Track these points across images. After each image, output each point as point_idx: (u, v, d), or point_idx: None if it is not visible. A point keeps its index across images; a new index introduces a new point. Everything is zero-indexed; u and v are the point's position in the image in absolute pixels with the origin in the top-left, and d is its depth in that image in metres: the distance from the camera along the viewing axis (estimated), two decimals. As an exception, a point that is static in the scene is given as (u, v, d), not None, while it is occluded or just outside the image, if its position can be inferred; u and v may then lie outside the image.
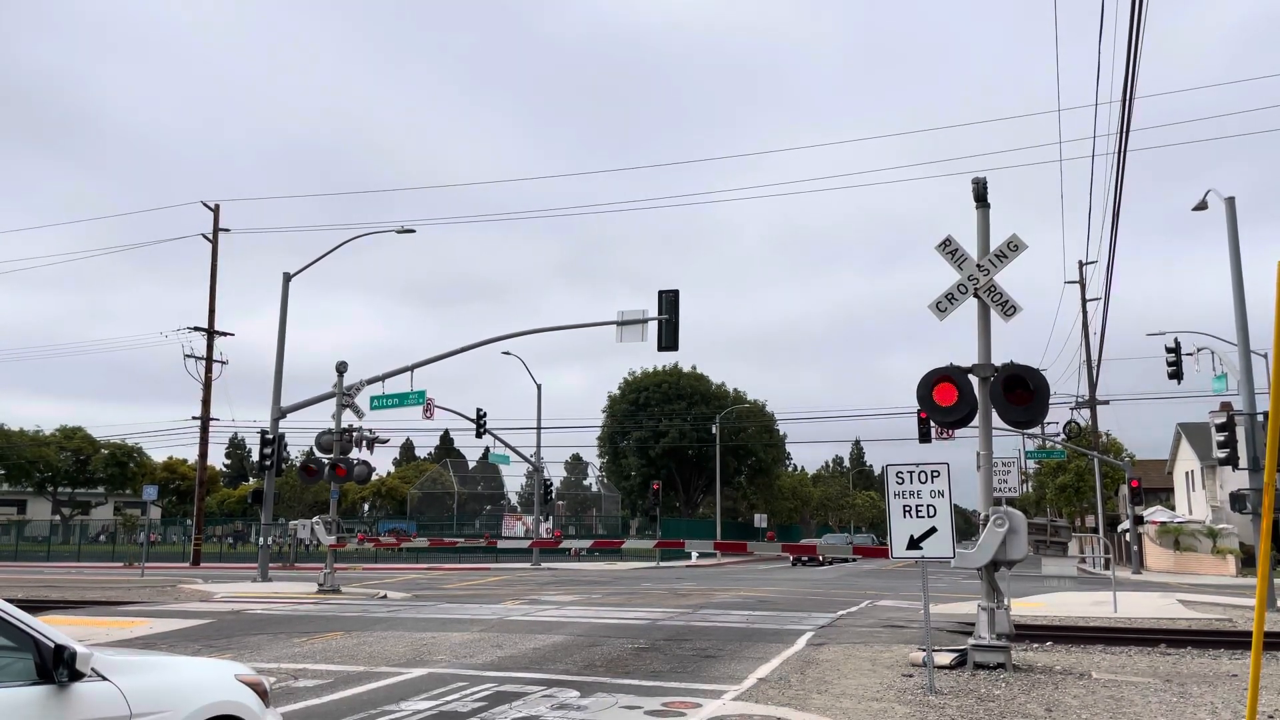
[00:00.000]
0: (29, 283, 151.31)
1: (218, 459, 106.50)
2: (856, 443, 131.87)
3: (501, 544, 40.59)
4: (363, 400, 28.69)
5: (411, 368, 29.32)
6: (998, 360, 12.26)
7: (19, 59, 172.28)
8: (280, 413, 30.97)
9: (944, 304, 12.48)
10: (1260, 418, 23.05)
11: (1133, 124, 16.32)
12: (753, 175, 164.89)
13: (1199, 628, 16.76)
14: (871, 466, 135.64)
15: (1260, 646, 5.54)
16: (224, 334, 44.56)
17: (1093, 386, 47.63)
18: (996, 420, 12.37)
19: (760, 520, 70.11)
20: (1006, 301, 12.24)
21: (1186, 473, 60.05)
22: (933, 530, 10.49)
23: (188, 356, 43.29)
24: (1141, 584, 33.29)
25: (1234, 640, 14.50)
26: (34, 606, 18.48)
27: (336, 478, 27.76)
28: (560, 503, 79.20)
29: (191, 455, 67.52)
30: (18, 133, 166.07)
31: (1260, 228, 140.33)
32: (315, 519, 27.36)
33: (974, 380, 12.14)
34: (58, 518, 69.33)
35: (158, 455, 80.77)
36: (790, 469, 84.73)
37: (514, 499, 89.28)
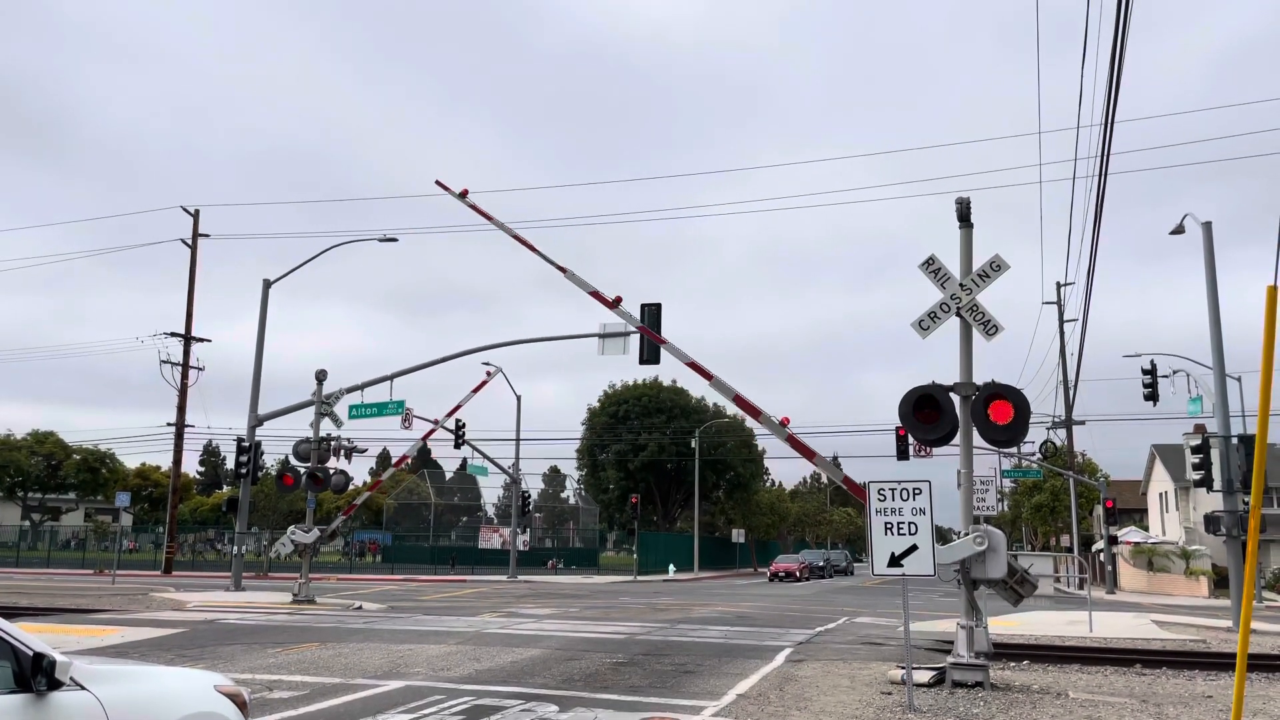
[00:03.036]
0: (2, 285, 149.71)
1: (192, 466, 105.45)
2: (834, 459, 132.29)
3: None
4: (341, 409, 28.49)
5: (391, 377, 29.18)
6: (978, 379, 12.32)
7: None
8: (257, 420, 30.72)
9: (926, 322, 12.54)
10: (1235, 440, 23.28)
11: (1113, 148, 16.48)
12: (734, 191, 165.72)
13: (1174, 648, 16.85)
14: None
15: (1244, 668, 5.57)
16: (201, 340, 44.22)
17: (1069, 407, 47.99)
18: (976, 439, 12.42)
19: (738, 535, 70.09)
20: (989, 321, 12.31)
21: (1160, 494, 60.54)
22: (914, 548, 10.52)
23: (164, 362, 42.93)
24: (1116, 604, 33.50)
25: (1209, 661, 14.59)
26: (2, 613, 18.18)
27: (313, 487, 27.53)
28: (538, 515, 78.91)
29: (165, 462, 66.80)
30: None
31: (1236, 252, 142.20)
32: (291, 528, 27.13)
33: (955, 399, 12.19)
34: (27, 523, 68.33)
35: (131, 462, 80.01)
36: (768, 484, 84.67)
37: (491, 511, 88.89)
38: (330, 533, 26.89)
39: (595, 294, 14.79)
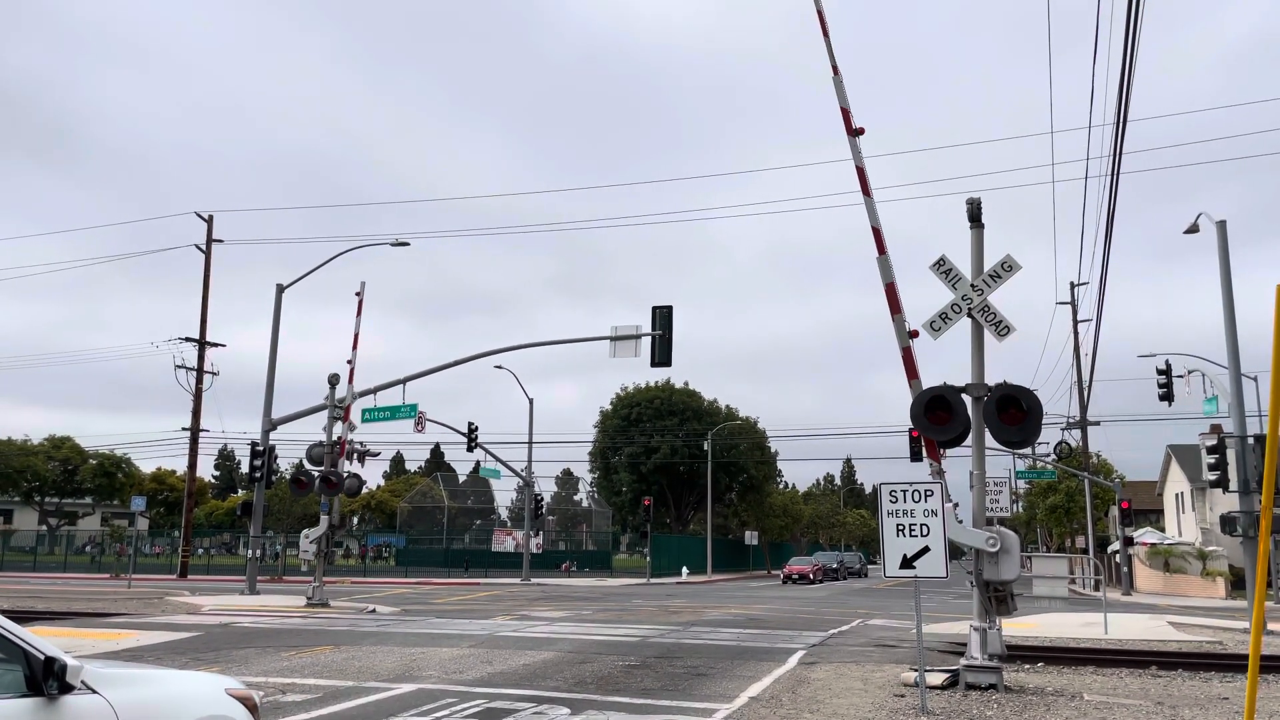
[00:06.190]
0: (19, 291, 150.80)
1: (207, 470, 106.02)
2: (848, 461, 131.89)
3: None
4: (354, 413, 28.58)
5: (404, 381, 29.29)
6: (990, 380, 12.28)
7: (8, 65, 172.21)
8: (271, 424, 30.86)
9: (938, 323, 12.51)
10: (1251, 440, 23.11)
11: (1125, 146, 16.42)
12: (745, 193, 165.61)
13: (1190, 650, 16.74)
14: (863, 485, 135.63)
15: (1256, 669, 5.53)
16: (215, 345, 44.43)
17: (1084, 407, 47.75)
18: (989, 440, 12.37)
19: (751, 538, 69.96)
20: (1000, 322, 12.27)
21: (1176, 494, 60.15)
22: (926, 550, 10.47)
23: (178, 367, 43.15)
24: (1131, 605, 33.31)
25: (1225, 663, 14.48)
26: (19, 617, 18.32)
27: (327, 490, 27.62)
28: (551, 518, 79.00)
29: (180, 466, 67.07)
30: (7, 140, 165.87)
31: (1251, 251, 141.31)
32: (304, 532, 27.26)
33: (967, 400, 12.15)
34: (44, 528, 68.85)
35: (146, 466, 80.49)
36: (781, 486, 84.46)
37: (504, 514, 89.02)
38: (340, 519, 27.24)
39: (844, 111, 14.24)
